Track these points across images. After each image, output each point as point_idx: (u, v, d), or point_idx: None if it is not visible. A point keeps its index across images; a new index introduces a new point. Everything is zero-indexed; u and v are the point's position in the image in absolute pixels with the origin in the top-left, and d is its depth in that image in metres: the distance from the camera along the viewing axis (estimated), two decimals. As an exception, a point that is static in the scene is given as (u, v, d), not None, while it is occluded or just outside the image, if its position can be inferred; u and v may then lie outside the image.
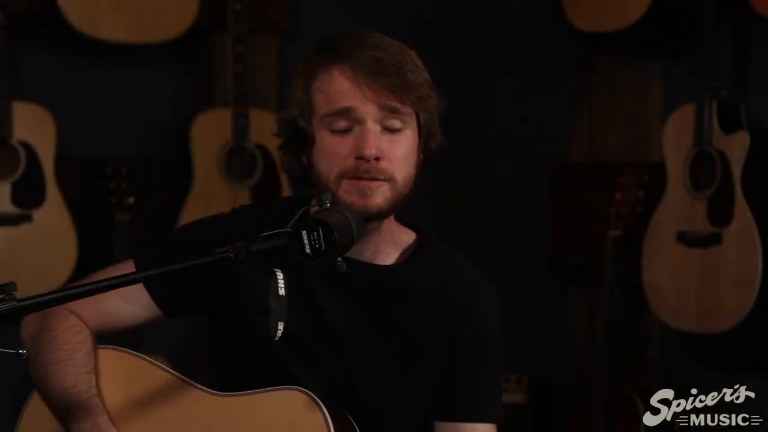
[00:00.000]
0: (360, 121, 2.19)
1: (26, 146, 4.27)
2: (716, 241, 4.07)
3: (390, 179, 2.20)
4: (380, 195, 2.19)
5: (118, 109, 4.63)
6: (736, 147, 4.04)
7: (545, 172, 4.82)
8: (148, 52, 4.61)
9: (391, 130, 2.21)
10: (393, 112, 2.20)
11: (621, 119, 4.67)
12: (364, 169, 2.18)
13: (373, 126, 2.19)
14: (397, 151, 2.21)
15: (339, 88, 2.19)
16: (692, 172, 4.12)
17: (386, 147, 2.19)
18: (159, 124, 4.69)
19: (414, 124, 2.23)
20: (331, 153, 2.20)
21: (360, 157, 2.18)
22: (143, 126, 4.68)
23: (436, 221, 5.01)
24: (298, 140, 2.25)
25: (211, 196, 4.47)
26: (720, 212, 4.08)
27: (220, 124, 4.48)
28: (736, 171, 4.03)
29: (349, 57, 2.19)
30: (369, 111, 2.19)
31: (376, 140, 2.18)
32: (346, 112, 2.19)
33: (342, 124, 2.20)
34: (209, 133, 4.48)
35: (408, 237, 2.33)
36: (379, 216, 2.21)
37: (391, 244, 2.30)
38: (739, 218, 4.04)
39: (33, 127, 4.28)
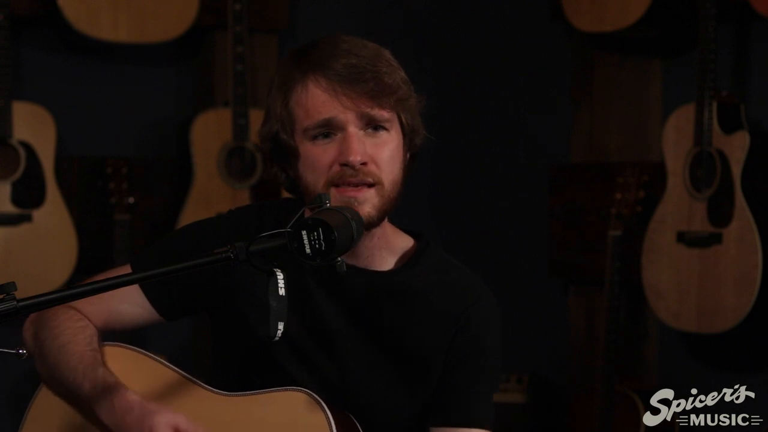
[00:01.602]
0: (341, 129, 2.18)
1: (26, 146, 4.27)
2: (716, 241, 4.08)
3: (377, 183, 2.19)
4: (368, 203, 2.19)
5: (118, 109, 4.64)
6: (736, 147, 4.04)
7: (545, 172, 4.82)
8: (148, 52, 4.62)
9: (374, 134, 2.20)
10: (373, 117, 2.19)
11: (621, 119, 4.67)
12: (350, 175, 2.17)
13: (355, 131, 2.18)
14: (383, 154, 2.20)
15: (316, 100, 2.18)
16: (692, 172, 4.12)
17: (371, 150, 2.19)
18: (159, 124, 4.70)
19: (396, 125, 2.22)
20: (316, 163, 2.19)
21: (345, 164, 2.17)
22: (143, 126, 4.68)
23: (437, 221, 5.02)
24: (282, 154, 2.24)
25: (211, 196, 4.47)
26: (720, 212, 4.08)
27: (220, 124, 4.48)
28: (736, 171, 4.03)
29: (323, 67, 2.18)
30: (349, 119, 2.17)
31: (360, 145, 2.17)
32: (326, 125, 2.18)
33: (323, 131, 2.19)
34: (209, 133, 4.48)
35: (406, 242, 2.33)
36: (370, 225, 2.20)
37: (387, 249, 2.29)
38: (739, 218, 4.04)
39: (33, 127, 4.28)
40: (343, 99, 2.17)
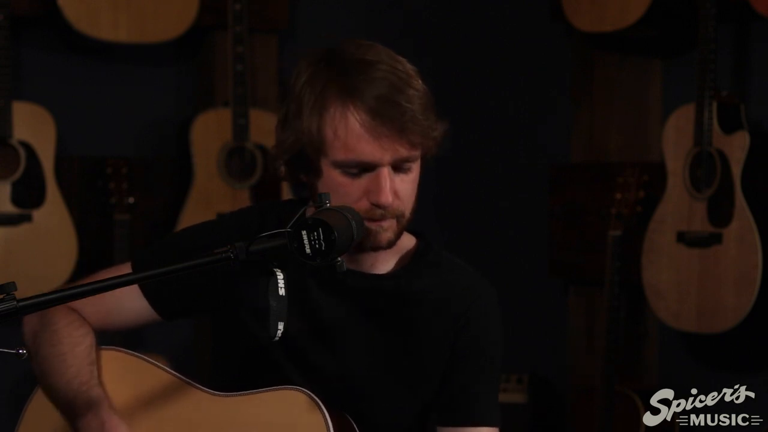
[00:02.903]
0: (374, 168, 2.17)
1: (26, 146, 4.27)
2: (716, 241, 4.08)
3: (399, 216, 2.20)
4: (390, 231, 2.20)
5: (118, 109, 4.64)
6: (736, 147, 4.04)
7: (545, 172, 4.82)
8: (148, 52, 4.62)
9: (402, 171, 2.20)
10: (407, 159, 2.18)
11: (621, 119, 4.67)
12: (380, 215, 2.17)
13: (387, 171, 2.17)
14: (408, 189, 2.20)
15: (356, 137, 2.15)
16: (692, 172, 4.13)
17: (398, 186, 2.19)
18: (159, 124, 4.70)
19: (419, 155, 2.22)
20: (342, 194, 2.17)
21: (376, 204, 2.17)
22: (143, 126, 4.68)
23: (437, 221, 5.02)
24: (301, 164, 2.22)
25: (211, 196, 4.47)
26: (720, 212, 4.08)
27: (220, 124, 4.48)
28: (736, 171, 4.04)
29: (363, 97, 2.14)
30: (385, 160, 2.16)
31: (391, 185, 2.17)
32: (361, 165, 2.16)
33: (355, 170, 2.17)
34: (209, 133, 4.48)
35: (408, 242, 2.33)
36: (389, 247, 2.22)
37: (389, 252, 2.29)
38: (739, 218, 4.04)
39: (33, 127, 4.28)
40: (384, 141, 2.15)
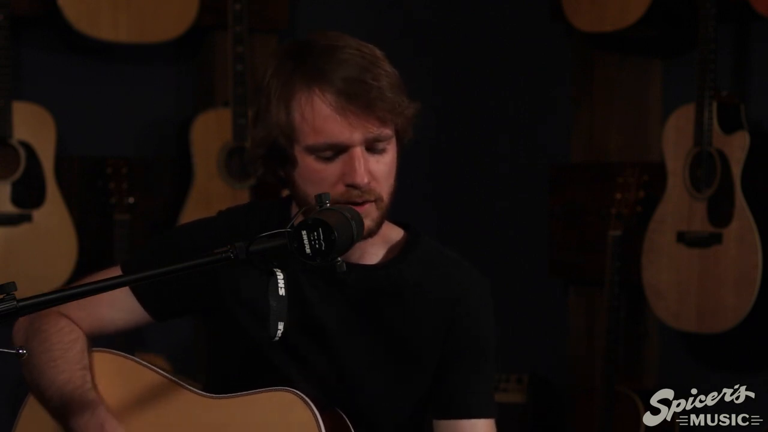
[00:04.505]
0: (347, 148, 2.17)
1: (26, 146, 4.27)
2: (716, 241, 4.08)
3: (378, 199, 2.19)
4: (369, 218, 2.18)
5: (118, 109, 4.64)
6: (736, 147, 4.04)
7: (545, 172, 4.82)
8: (148, 52, 4.62)
9: (376, 151, 2.19)
10: (378, 137, 2.18)
11: (621, 119, 4.67)
12: (356, 195, 2.17)
13: (360, 151, 2.17)
14: (383, 170, 2.20)
15: (324, 118, 2.15)
16: (692, 172, 4.13)
17: (373, 167, 2.18)
18: (159, 124, 4.70)
19: (394, 136, 2.22)
20: (318, 180, 2.17)
21: (352, 185, 2.16)
22: (143, 126, 4.68)
23: (437, 221, 5.02)
24: (277, 157, 2.22)
25: (211, 196, 4.47)
26: (720, 212, 4.08)
27: (220, 124, 4.48)
28: (736, 171, 4.03)
29: (328, 79, 2.14)
30: (356, 139, 2.16)
31: (365, 165, 2.17)
32: (333, 147, 2.16)
33: (328, 153, 2.17)
34: (209, 133, 4.49)
35: (396, 234, 2.32)
36: (370, 236, 2.21)
37: (378, 244, 2.29)
38: (739, 218, 4.04)
39: (33, 127, 4.29)
40: (351, 118, 2.14)
